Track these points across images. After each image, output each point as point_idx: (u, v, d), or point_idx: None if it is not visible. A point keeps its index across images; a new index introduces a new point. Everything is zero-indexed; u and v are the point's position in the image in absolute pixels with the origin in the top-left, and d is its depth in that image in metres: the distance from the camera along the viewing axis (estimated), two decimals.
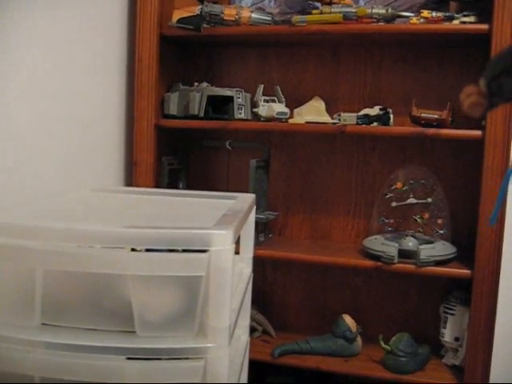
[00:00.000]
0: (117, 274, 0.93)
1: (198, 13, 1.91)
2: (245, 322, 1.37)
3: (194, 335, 0.94)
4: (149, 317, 0.94)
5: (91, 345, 0.92)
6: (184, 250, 0.95)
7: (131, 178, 2.00)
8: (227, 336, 0.93)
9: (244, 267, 1.35)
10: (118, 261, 0.91)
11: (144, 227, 0.92)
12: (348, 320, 1.96)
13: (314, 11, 1.83)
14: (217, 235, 0.90)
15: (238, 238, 1.32)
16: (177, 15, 1.95)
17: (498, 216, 1.10)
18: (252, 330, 2.07)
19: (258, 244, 1.94)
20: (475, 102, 1.05)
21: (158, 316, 0.94)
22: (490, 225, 1.15)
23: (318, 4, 1.91)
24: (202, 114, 1.94)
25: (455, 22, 1.75)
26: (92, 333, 0.96)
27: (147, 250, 0.96)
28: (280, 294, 2.23)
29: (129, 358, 0.92)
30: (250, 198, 1.31)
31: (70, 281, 0.97)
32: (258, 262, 2.15)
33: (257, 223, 1.93)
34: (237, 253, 1.34)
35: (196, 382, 0.92)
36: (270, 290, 2.23)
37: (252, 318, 2.06)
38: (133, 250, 1.01)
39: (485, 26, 1.68)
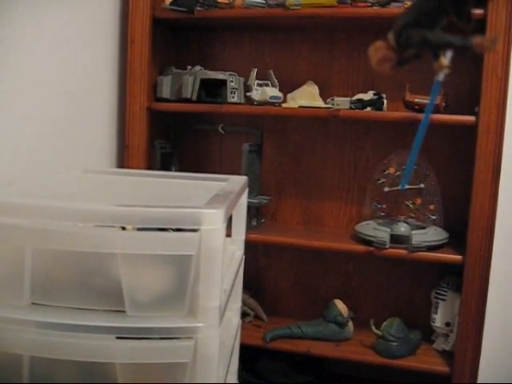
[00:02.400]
0: (107, 253, 0.92)
1: None
2: (236, 305, 1.37)
3: (185, 315, 0.94)
4: (139, 296, 0.94)
5: (81, 324, 0.92)
6: (175, 230, 0.95)
7: (123, 162, 1.99)
8: (217, 316, 0.93)
9: (235, 249, 1.34)
10: (108, 239, 0.90)
11: (135, 205, 0.91)
12: (339, 305, 1.97)
13: None
14: (208, 214, 0.89)
15: (230, 221, 1.32)
16: None
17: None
18: (244, 314, 2.07)
19: (250, 228, 1.94)
20: (384, 56, 0.99)
21: (148, 295, 0.94)
22: (401, 189, 1.09)
23: None
24: (194, 98, 1.92)
25: None
26: (82, 312, 0.95)
27: (139, 230, 0.96)
28: (272, 278, 2.23)
29: (118, 338, 0.92)
30: (242, 180, 1.31)
31: (60, 260, 0.96)
32: (251, 247, 2.15)
33: (249, 208, 1.92)
34: (229, 236, 1.35)
35: (186, 361, 0.92)
36: (262, 274, 2.23)
37: (244, 303, 2.06)
38: (123, 229, 1.00)
39: (480, 11, 1.68)
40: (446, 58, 0.95)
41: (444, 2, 0.90)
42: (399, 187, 1.07)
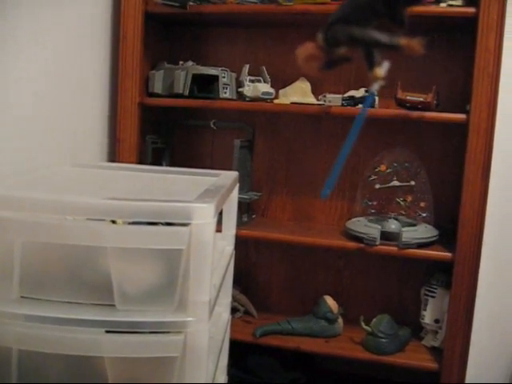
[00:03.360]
0: (96, 247, 0.92)
1: None
2: (226, 300, 1.37)
3: (174, 309, 0.94)
4: (128, 290, 0.94)
5: (70, 318, 0.92)
6: (166, 224, 0.95)
7: (114, 157, 1.98)
8: (207, 310, 0.93)
9: (226, 245, 1.34)
10: (98, 233, 0.90)
11: (125, 199, 0.91)
12: (329, 301, 1.97)
13: None
14: (198, 208, 0.89)
15: (221, 216, 1.32)
16: None
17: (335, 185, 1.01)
18: (234, 310, 2.08)
19: (241, 224, 1.94)
20: (310, 54, 0.95)
21: (137, 289, 0.94)
22: (323, 197, 1.05)
23: None
24: (186, 93, 1.92)
25: (442, 4, 1.74)
26: (71, 306, 0.95)
27: (130, 224, 0.96)
28: (262, 274, 2.23)
29: (108, 331, 0.92)
30: (233, 175, 1.31)
31: (50, 253, 0.96)
32: (241, 243, 2.15)
33: (240, 203, 1.92)
34: (219, 231, 1.35)
35: (175, 355, 0.92)
36: (253, 270, 2.23)
37: (234, 299, 2.06)
38: (113, 223, 1.00)
39: (472, 9, 1.68)
40: (381, 69, 0.93)
41: (374, 2, 0.88)
42: (322, 194, 1.03)
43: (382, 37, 0.89)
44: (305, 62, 0.97)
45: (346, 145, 0.97)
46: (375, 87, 0.95)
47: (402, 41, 0.88)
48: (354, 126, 0.97)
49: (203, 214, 0.90)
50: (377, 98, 1.87)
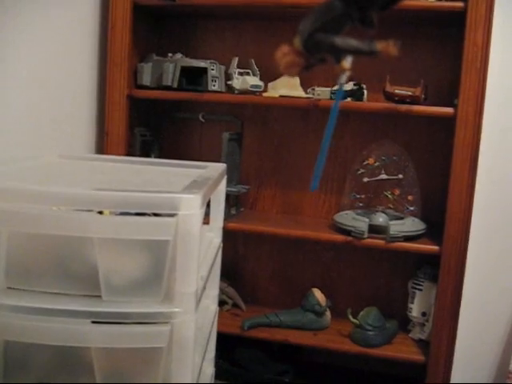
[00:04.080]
0: (83, 237, 0.92)
1: None
2: (213, 292, 1.37)
3: (161, 300, 0.94)
4: (115, 281, 0.93)
5: (56, 308, 0.91)
6: (154, 215, 0.95)
7: (103, 149, 1.98)
8: (194, 301, 0.93)
9: (213, 237, 1.34)
10: (84, 223, 0.90)
11: (112, 190, 0.91)
12: (317, 294, 1.98)
13: None
14: (185, 199, 0.89)
15: (209, 208, 1.32)
16: None
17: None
18: (222, 303, 2.08)
19: (229, 217, 1.94)
20: (291, 61, 0.99)
21: (124, 280, 0.94)
22: (312, 189, 1.08)
23: None
24: (175, 85, 1.91)
25: None
26: (57, 296, 0.94)
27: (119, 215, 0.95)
28: (251, 267, 2.23)
29: (94, 322, 0.92)
30: (220, 167, 1.31)
31: (36, 244, 0.95)
32: (229, 236, 2.15)
33: (228, 196, 1.93)
34: (207, 223, 1.35)
35: (162, 346, 0.92)
36: (241, 263, 2.24)
37: (222, 291, 2.07)
38: (100, 214, 1.00)
39: (460, 4, 1.69)
40: (347, 62, 0.97)
41: (349, 9, 0.92)
42: (311, 187, 1.05)
43: (363, 45, 0.94)
44: (285, 69, 1.01)
45: (325, 137, 1.01)
46: (343, 79, 0.99)
47: (379, 46, 0.93)
48: (330, 117, 1.01)
49: (190, 205, 0.89)
50: (365, 92, 1.88)
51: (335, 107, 1.01)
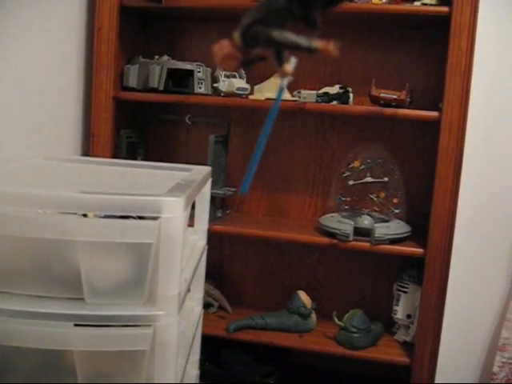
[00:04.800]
0: (66, 240, 0.92)
1: None
2: (198, 294, 1.37)
3: (143, 303, 0.94)
4: (98, 284, 0.93)
5: (39, 311, 0.91)
6: (138, 218, 0.95)
7: (89, 151, 1.97)
8: (176, 304, 0.93)
9: (198, 239, 1.34)
10: (67, 226, 0.90)
11: (95, 193, 0.91)
12: (303, 296, 1.98)
13: None
14: (167, 202, 0.89)
15: (194, 211, 1.32)
16: None
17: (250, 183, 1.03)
18: (208, 305, 2.08)
19: (215, 219, 1.94)
20: (229, 54, 0.96)
21: (106, 283, 0.94)
22: (241, 194, 1.06)
23: None
24: (161, 88, 1.91)
25: (416, 3, 1.76)
26: (40, 299, 0.94)
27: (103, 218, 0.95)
28: (236, 269, 2.24)
29: (77, 325, 0.92)
30: (205, 170, 1.31)
31: (18, 246, 0.95)
32: (215, 238, 2.16)
33: (214, 199, 1.93)
34: (192, 226, 1.35)
35: (144, 349, 0.92)
36: (227, 265, 2.24)
37: (208, 294, 2.07)
38: (84, 217, 1.00)
39: (445, 9, 1.70)
40: (289, 65, 0.96)
41: (291, 4, 0.90)
42: (241, 190, 1.04)
43: (301, 40, 0.91)
44: (222, 62, 0.99)
45: (260, 140, 1.00)
46: (285, 82, 0.97)
47: (319, 44, 0.90)
48: (268, 119, 0.99)
49: (173, 208, 0.90)
50: (351, 95, 1.89)
51: (274, 109, 1.00)
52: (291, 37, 0.90)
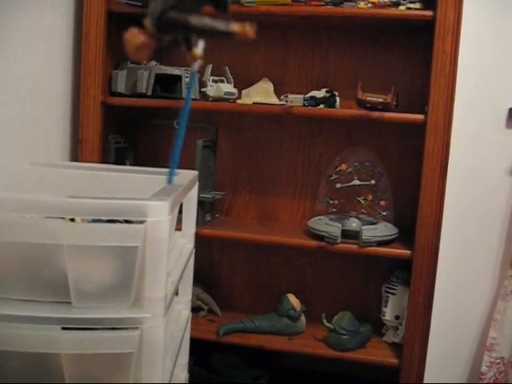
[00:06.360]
0: (53, 244, 0.92)
1: None
2: (186, 298, 1.38)
3: (130, 306, 0.95)
4: (84, 287, 0.94)
5: (26, 315, 0.92)
6: (125, 222, 0.96)
7: (77, 156, 1.98)
8: (163, 306, 0.94)
9: (185, 243, 1.35)
10: (54, 231, 0.90)
11: (80, 197, 0.92)
12: (292, 299, 2.00)
13: None
14: (153, 206, 0.90)
15: (181, 216, 1.32)
16: None
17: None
18: (198, 309, 2.09)
19: (204, 223, 1.95)
20: (142, 43, 0.93)
21: (93, 286, 0.94)
22: (168, 184, 1.06)
23: None
24: (149, 93, 1.92)
25: (401, 7, 1.78)
26: (27, 303, 0.95)
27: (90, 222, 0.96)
28: (226, 273, 2.24)
29: (64, 328, 0.92)
30: (191, 174, 1.32)
31: (6, 251, 0.95)
32: (204, 242, 2.17)
33: (203, 203, 1.94)
34: (180, 229, 1.36)
35: (131, 351, 0.93)
36: (216, 269, 2.24)
37: (198, 298, 2.07)
38: (72, 221, 1.01)
39: (429, 13, 1.72)
40: (198, 49, 0.95)
41: None
42: (166, 183, 1.06)
43: (218, 24, 0.91)
44: (136, 52, 0.96)
45: (178, 135, 1.00)
46: (195, 67, 0.98)
47: (236, 27, 0.90)
48: (182, 114, 1.00)
49: (158, 212, 0.91)
50: (338, 99, 1.90)
51: (188, 95, 1.00)
52: (208, 21, 0.90)
